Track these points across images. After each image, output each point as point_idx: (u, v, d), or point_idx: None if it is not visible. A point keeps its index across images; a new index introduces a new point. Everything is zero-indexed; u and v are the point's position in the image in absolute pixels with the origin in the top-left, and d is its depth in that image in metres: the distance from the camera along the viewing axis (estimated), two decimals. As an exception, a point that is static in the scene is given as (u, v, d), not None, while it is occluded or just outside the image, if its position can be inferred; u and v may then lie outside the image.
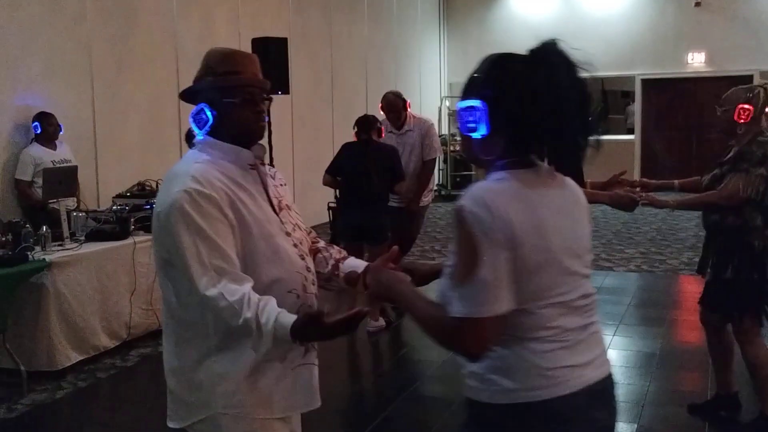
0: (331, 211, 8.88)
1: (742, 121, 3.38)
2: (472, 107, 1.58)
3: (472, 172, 13.15)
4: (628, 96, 15.84)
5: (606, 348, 1.72)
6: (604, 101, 18.18)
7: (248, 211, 1.83)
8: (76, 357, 4.55)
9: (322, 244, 2.15)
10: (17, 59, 5.76)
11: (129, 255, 4.92)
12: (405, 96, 6.15)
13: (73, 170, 5.35)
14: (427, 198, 5.99)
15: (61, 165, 5.63)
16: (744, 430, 3.60)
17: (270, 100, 1.97)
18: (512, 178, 1.57)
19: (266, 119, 1.94)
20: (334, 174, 5.43)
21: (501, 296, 1.49)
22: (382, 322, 5.46)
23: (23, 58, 5.81)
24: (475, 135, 1.58)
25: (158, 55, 7.21)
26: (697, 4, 12.45)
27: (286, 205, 2.00)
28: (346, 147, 5.47)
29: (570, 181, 1.68)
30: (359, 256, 5.28)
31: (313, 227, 8.42)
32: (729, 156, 3.45)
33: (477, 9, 14.07)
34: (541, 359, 1.55)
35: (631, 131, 14.17)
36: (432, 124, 6.18)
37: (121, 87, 6.76)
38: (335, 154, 5.53)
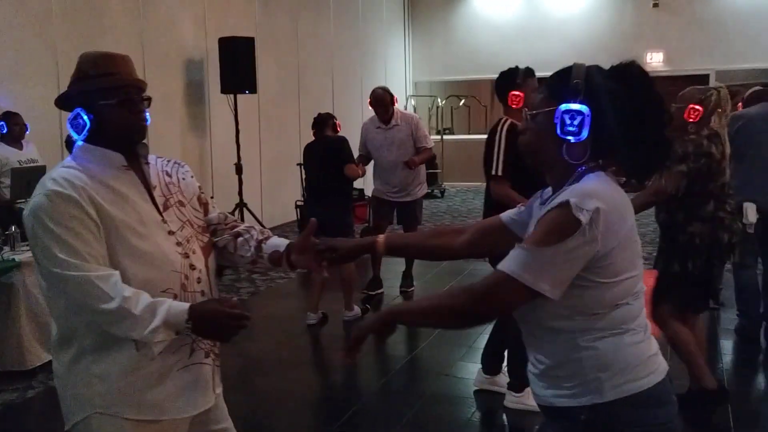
0: (298, 209, 8.96)
1: (691, 120, 3.56)
2: (578, 111, 1.63)
3: (438, 171, 13.28)
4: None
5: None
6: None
7: (116, 212, 1.81)
8: (46, 356, 4.53)
9: (242, 226, 2.16)
10: (-18, 58, 5.72)
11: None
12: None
13: (41, 170, 5.32)
14: (420, 191, 6.22)
15: (28, 165, 5.61)
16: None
17: (149, 99, 1.94)
18: (610, 180, 1.65)
19: (147, 119, 1.93)
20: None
21: (553, 280, 1.55)
22: (357, 311, 5.58)
23: (-12, 57, 5.77)
24: (574, 139, 1.63)
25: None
26: (655, 5, 12.74)
27: (178, 202, 1.99)
28: (306, 147, 5.69)
29: None
30: None
31: (281, 225, 8.62)
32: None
33: (441, 9, 14.20)
34: (638, 350, 1.64)
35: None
36: (419, 119, 6.44)
37: (87, 86, 6.72)
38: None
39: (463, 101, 14.87)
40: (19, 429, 3.92)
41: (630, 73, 1.71)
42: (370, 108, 6.13)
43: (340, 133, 5.65)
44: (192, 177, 2.12)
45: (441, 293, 1.69)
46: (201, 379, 1.96)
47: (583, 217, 1.52)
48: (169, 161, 2.10)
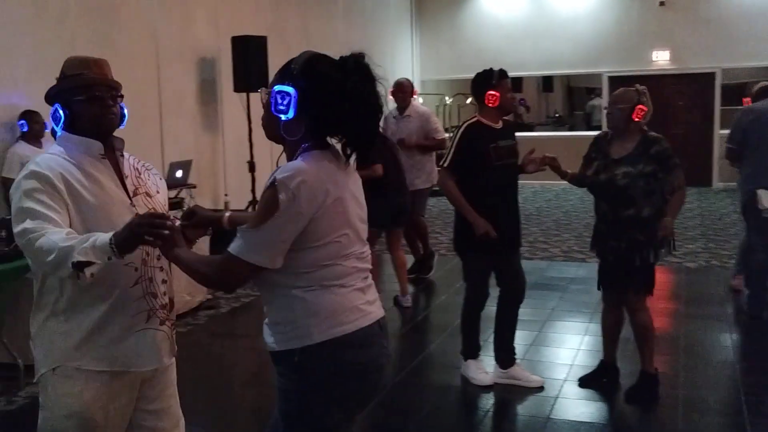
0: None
1: (638, 119, 3.71)
2: (285, 92, 1.86)
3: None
4: (593, 92, 16.19)
5: (583, 336, 1.92)
6: (570, 97, 18.58)
7: (86, 194, 2.08)
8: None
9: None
10: (2, 58, 5.80)
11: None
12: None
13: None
14: (421, 182, 6.39)
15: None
16: (638, 389, 3.97)
17: (120, 96, 2.20)
18: (321, 158, 1.88)
19: (117, 113, 2.19)
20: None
21: (270, 254, 1.82)
22: (409, 300, 5.90)
23: (8, 57, 5.85)
24: (283, 117, 1.87)
25: (139, 54, 7.27)
26: (662, 4, 12.79)
27: (145, 192, 2.27)
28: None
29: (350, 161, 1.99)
30: (395, 244, 5.87)
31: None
32: (629, 153, 3.80)
33: (448, 8, 14.27)
34: (345, 299, 1.90)
35: (596, 128, 14.50)
36: (432, 112, 6.71)
37: (103, 85, 6.81)
38: None
39: (470, 99, 14.93)
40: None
41: (350, 63, 1.93)
42: (390, 98, 6.42)
43: None
44: (163, 183, 2.41)
45: (203, 258, 2.00)
46: (155, 342, 2.22)
47: (284, 196, 1.77)
48: (140, 161, 2.35)
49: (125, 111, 2.26)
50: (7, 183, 5.72)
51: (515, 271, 4.19)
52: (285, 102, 1.85)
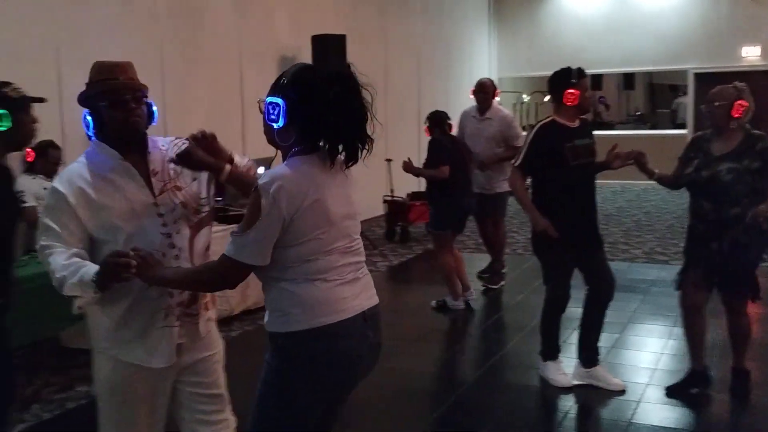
0: (386, 204, 9.08)
1: (738, 116, 3.56)
2: (275, 103, 2.00)
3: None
4: (677, 90, 15.70)
5: (667, 340, 1.85)
6: (652, 95, 18.05)
7: (105, 200, 2.22)
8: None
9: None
10: (95, 56, 6.03)
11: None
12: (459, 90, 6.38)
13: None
14: (500, 186, 6.16)
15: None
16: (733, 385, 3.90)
17: (144, 97, 2.27)
18: (303, 163, 2.03)
19: (143, 114, 2.27)
20: (446, 165, 5.63)
21: (259, 253, 1.99)
22: (461, 303, 5.76)
23: (100, 55, 6.08)
24: (275, 125, 2.02)
25: (223, 53, 7.47)
26: (753, -2, 12.31)
27: (175, 186, 2.33)
28: (444, 141, 5.70)
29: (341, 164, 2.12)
30: (452, 238, 5.75)
31: (369, 220, 8.80)
32: (732, 150, 3.66)
33: (526, 4, 14.10)
34: (329, 293, 2.04)
35: (680, 126, 14.06)
36: (513, 117, 6.51)
37: (189, 83, 7.03)
38: (433, 148, 5.72)
39: (548, 97, 14.72)
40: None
41: (334, 74, 2.04)
42: (471, 97, 6.36)
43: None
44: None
45: (199, 268, 2.18)
46: (171, 340, 2.32)
47: (265, 201, 1.93)
48: (174, 146, 2.37)
49: (154, 109, 2.35)
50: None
51: (601, 270, 4.12)
52: (275, 112, 2.00)
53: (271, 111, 2.01)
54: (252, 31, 7.93)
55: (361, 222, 2.25)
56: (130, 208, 2.24)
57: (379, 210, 9.46)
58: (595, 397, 4.04)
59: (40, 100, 2.76)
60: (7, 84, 2.93)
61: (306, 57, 8.37)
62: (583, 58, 13.70)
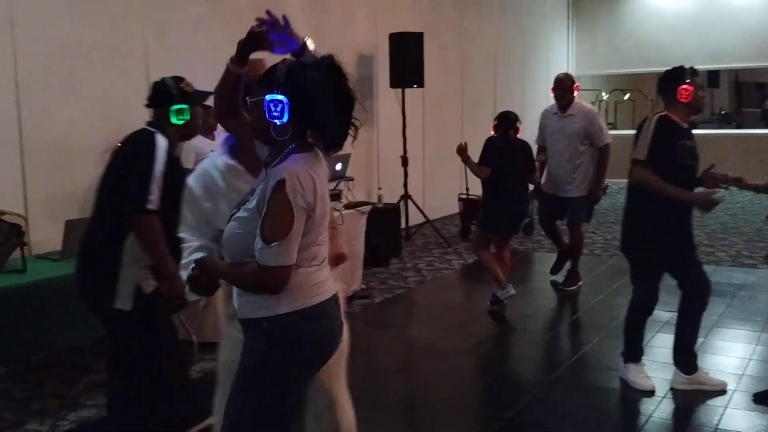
0: (461, 202, 9.05)
1: None
2: (278, 100, 2.06)
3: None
4: (764, 88, 15.08)
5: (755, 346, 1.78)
6: (738, 93, 17.38)
7: (226, 193, 2.42)
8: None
9: None
10: (181, 56, 6.22)
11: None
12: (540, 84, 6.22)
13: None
14: (581, 189, 6.02)
15: (219, 154, 6.07)
16: None
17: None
18: (309, 159, 2.12)
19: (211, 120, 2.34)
20: (488, 165, 5.59)
21: (295, 251, 2.07)
22: (511, 289, 5.64)
23: (186, 54, 6.27)
24: (278, 122, 2.07)
25: (302, 51, 7.58)
26: None
27: None
28: (497, 142, 5.63)
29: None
30: (503, 244, 5.65)
31: (442, 218, 8.80)
32: None
33: (607, 1, 13.79)
34: (311, 277, 2.15)
35: (772, 125, 13.51)
36: (597, 113, 6.22)
37: (269, 81, 7.16)
38: (484, 147, 5.69)
39: (627, 95, 14.38)
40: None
41: (326, 64, 2.14)
42: (551, 95, 6.17)
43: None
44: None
45: (245, 269, 2.11)
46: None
47: (293, 197, 2.01)
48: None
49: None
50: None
51: (696, 274, 4.00)
52: (278, 109, 2.06)
53: (273, 108, 2.06)
54: (330, 29, 8.02)
55: (436, 220, 2.27)
56: (237, 198, 2.30)
57: (454, 208, 9.43)
58: (678, 401, 3.92)
59: (210, 93, 2.80)
60: (181, 79, 3.17)
61: (383, 55, 8.42)
62: (665, 54, 13.34)
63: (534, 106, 11.28)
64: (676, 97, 3.87)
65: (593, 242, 8.25)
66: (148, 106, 3.25)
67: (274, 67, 2.14)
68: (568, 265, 6.35)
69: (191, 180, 2.49)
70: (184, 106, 3.14)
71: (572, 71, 14.10)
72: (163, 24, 6.06)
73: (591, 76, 14.33)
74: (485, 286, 5.88)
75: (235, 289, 2.22)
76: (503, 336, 5.29)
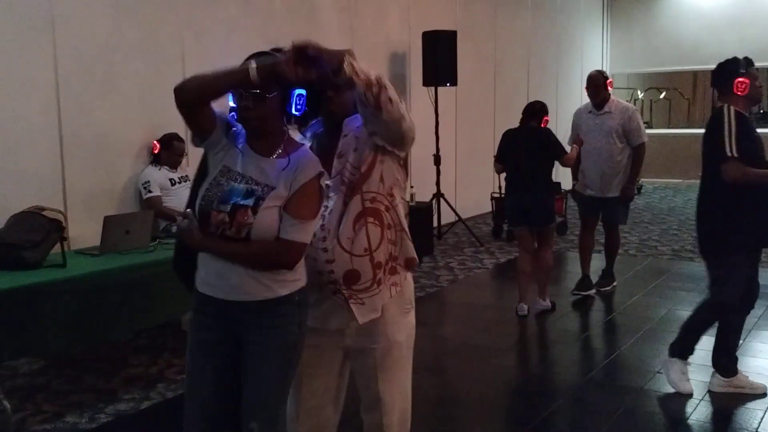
0: (494, 201, 9.01)
1: None
2: (302, 93, 2.20)
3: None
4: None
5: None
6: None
7: None
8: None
9: None
10: (216, 55, 6.28)
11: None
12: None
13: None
14: (615, 190, 5.85)
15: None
16: None
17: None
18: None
19: (338, 101, 2.36)
20: (500, 161, 5.62)
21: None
22: (548, 303, 5.57)
23: (221, 53, 6.33)
24: (299, 114, 2.22)
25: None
26: None
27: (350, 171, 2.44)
28: (505, 134, 5.67)
29: None
30: (529, 238, 5.55)
31: (474, 216, 8.78)
32: None
33: (643, -2, 13.62)
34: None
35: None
36: (635, 110, 6.02)
37: (303, 80, 7.20)
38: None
39: (663, 94, 14.18)
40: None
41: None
42: (585, 93, 6.07)
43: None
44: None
45: (257, 245, 2.17)
46: (332, 308, 2.42)
47: (322, 184, 2.23)
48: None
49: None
50: None
51: (756, 275, 3.93)
52: (301, 101, 2.20)
53: (298, 101, 2.19)
54: (363, 28, 8.04)
55: (468, 219, 2.29)
56: None
57: (487, 207, 9.39)
58: (716, 404, 3.86)
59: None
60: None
61: (416, 53, 8.41)
62: (703, 53, 13.15)
63: (568, 104, 11.18)
64: (732, 91, 3.76)
65: (628, 242, 8.15)
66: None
67: None
68: (602, 265, 6.28)
69: None
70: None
71: (607, 69, 13.94)
72: (200, 24, 6.13)
73: (626, 75, 14.18)
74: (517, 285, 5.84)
75: (241, 274, 2.20)
76: (536, 336, 5.25)
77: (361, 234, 2.36)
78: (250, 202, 2.18)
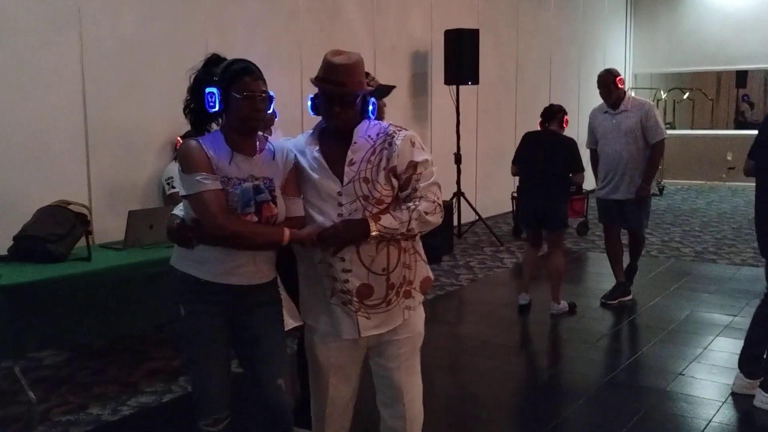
0: (514, 201, 8.98)
1: None
2: (211, 92, 2.43)
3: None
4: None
5: None
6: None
7: (302, 181, 2.51)
8: (291, 323, 4.97)
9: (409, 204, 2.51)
10: (241, 51, 6.29)
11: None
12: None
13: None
14: (626, 192, 5.60)
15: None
16: None
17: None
18: None
19: (349, 111, 2.39)
20: (516, 163, 5.63)
21: None
22: (564, 305, 5.55)
23: (246, 50, 6.34)
24: (216, 109, 2.40)
25: (358, 48, 7.56)
26: None
27: (363, 178, 2.43)
28: (525, 136, 5.66)
29: None
30: (537, 234, 5.57)
31: (495, 216, 8.73)
32: None
33: (667, -2, 13.50)
34: None
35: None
36: (652, 106, 5.74)
37: (325, 77, 7.22)
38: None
39: (687, 94, 14.05)
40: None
41: None
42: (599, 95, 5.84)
43: (565, 129, 5.59)
44: (390, 150, 2.42)
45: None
46: (340, 317, 2.44)
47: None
48: (383, 134, 2.45)
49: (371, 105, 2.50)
50: None
51: None
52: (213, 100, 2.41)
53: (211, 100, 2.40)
54: (386, 26, 8.04)
55: (489, 218, 2.32)
56: (318, 195, 2.42)
57: (507, 206, 9.36)
58: (739, 406, 3.82)
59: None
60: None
61: (439, 52, 8.40)
62: (727, 53, 13.02)
63: (590, 104, 11.05)
64: None
65: (650, 243, 8.09)
66: None
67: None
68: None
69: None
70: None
71: (630, 69, 13.87)
72: (224, 21, 6.17)
73: (649, 75, 14.06)
74: (539, 284, 5.82)
75: (263, 260, 2.43)
76: (556, 336, 5.23)
77: (383, 254, 2.41)
78: (267, 196, 2.36)
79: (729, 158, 12.87)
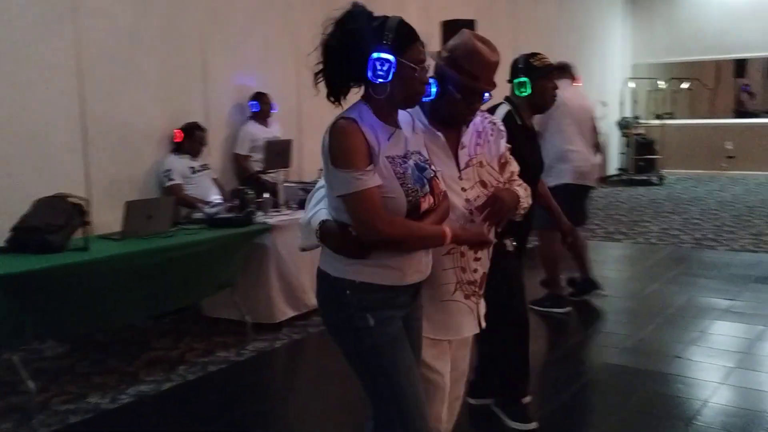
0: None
1: None
2: (386, 59, 1.99)
3: (657, 157, 12.69)
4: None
5: None
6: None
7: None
8: (290, 312, 5.00)
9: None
10: (237, 44, 6.33)
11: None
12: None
13: (289, 144, 5.85)
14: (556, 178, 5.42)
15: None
16: None
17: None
18: None
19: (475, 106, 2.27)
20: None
21: None
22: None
23: (242, 43, 6.38)
24: (385, 80, 1.97)
25: (354, 39, 7.62)
26: None
27: (478, 162, 2.31)
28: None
29: None
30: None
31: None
32: None
33: (665, -14, 13.49)
34: None
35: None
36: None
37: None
38: None
39: (687, 84, 14.03)
40: (270, 372, 4.38)
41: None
42: (604, 83, 5.94)
43: None
44: (498, 136, 2.42)
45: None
46: (459, 314, 2.33)
47: None
48: (486, 120, 2.41)
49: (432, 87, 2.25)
50: (238, 158, 6.26)
51: None
52: (385, 68, 2.03)
53: (380, 67, 2.02)
54: (382, 17, 8.04)
55: None
56: (441, 178, 2.20)
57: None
58: (736, 388, 3.83)
59: (555, 68, 3.15)
60: (533, 55, 3.36)
61: (435, 43, 8.39)
62: (726, 42, 12.99)
63: (588, 94, 11.10)
64: None
65: (650, 231, 8.10)
66: (509, 81, 3.36)
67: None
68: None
69: None
70: (524, 79, 3.27)
71: (627, 59, 13.85)
72: (220, 14, 6.17)
73: (648, 65, 14.04)
74: (541, 272, 5.82)
75: (428, 251, 2.16)
76: (556, 322, 5.24)
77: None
78: (431, 172, 2.10)
79: (729, 147, 12.86)
